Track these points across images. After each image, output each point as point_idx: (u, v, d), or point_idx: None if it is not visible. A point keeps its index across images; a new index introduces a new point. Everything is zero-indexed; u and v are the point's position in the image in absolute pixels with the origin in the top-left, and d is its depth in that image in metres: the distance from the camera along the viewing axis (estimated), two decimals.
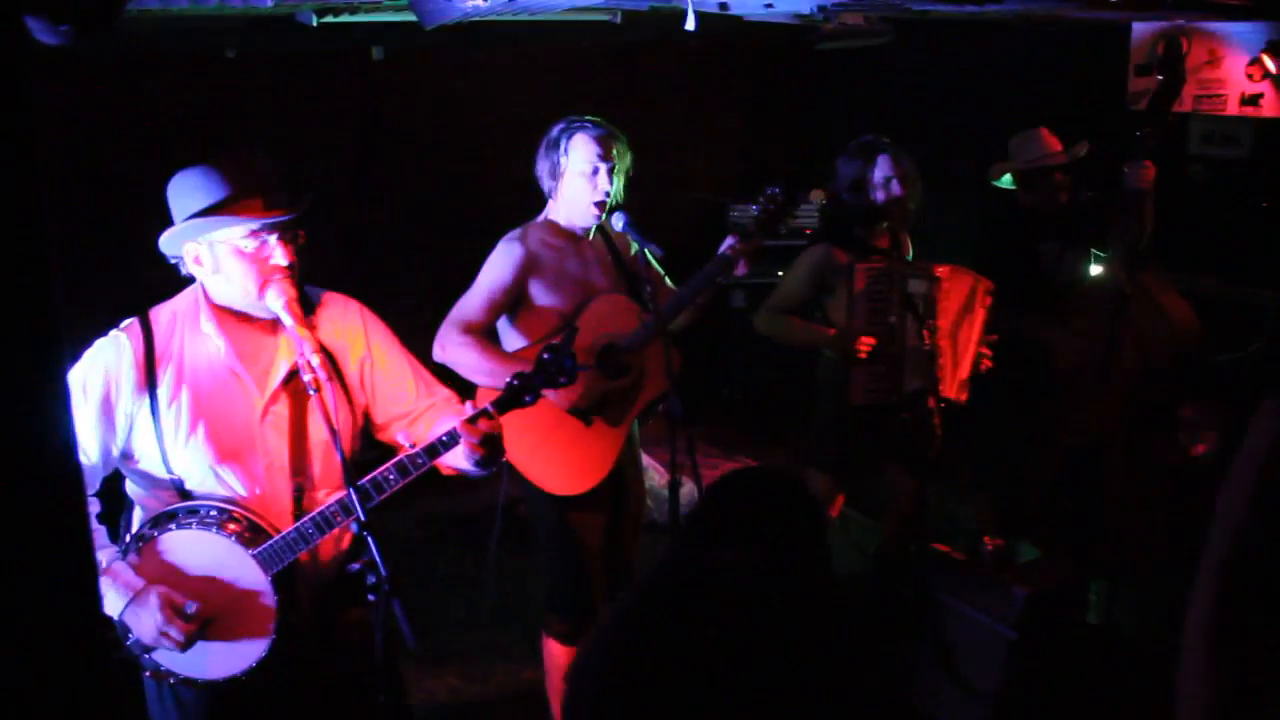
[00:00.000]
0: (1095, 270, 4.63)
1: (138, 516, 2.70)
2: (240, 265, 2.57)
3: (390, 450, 2.73)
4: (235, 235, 2.55)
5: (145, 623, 2.51)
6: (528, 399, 2.77)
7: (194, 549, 2.58)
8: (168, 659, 2.61)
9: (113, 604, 2.52)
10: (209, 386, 2.62)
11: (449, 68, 6.25)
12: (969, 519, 5.08)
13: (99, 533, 2.66)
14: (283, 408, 2.68)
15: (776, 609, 1.68)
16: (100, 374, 2.57)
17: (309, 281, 2.76)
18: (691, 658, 1.58)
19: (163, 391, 2.59)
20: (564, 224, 3.82)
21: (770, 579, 1.76)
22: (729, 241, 3.78)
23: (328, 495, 2.65)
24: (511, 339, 3.77)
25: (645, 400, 3.87)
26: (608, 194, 3.73)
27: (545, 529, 3.88)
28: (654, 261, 3.83)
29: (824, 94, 7.42)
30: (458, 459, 2.72)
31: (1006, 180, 4.83)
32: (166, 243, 2.61)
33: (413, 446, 2.66)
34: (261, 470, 2.65)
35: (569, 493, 3.76)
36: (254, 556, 2.56)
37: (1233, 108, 4.90)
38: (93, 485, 2.62)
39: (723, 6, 3.87)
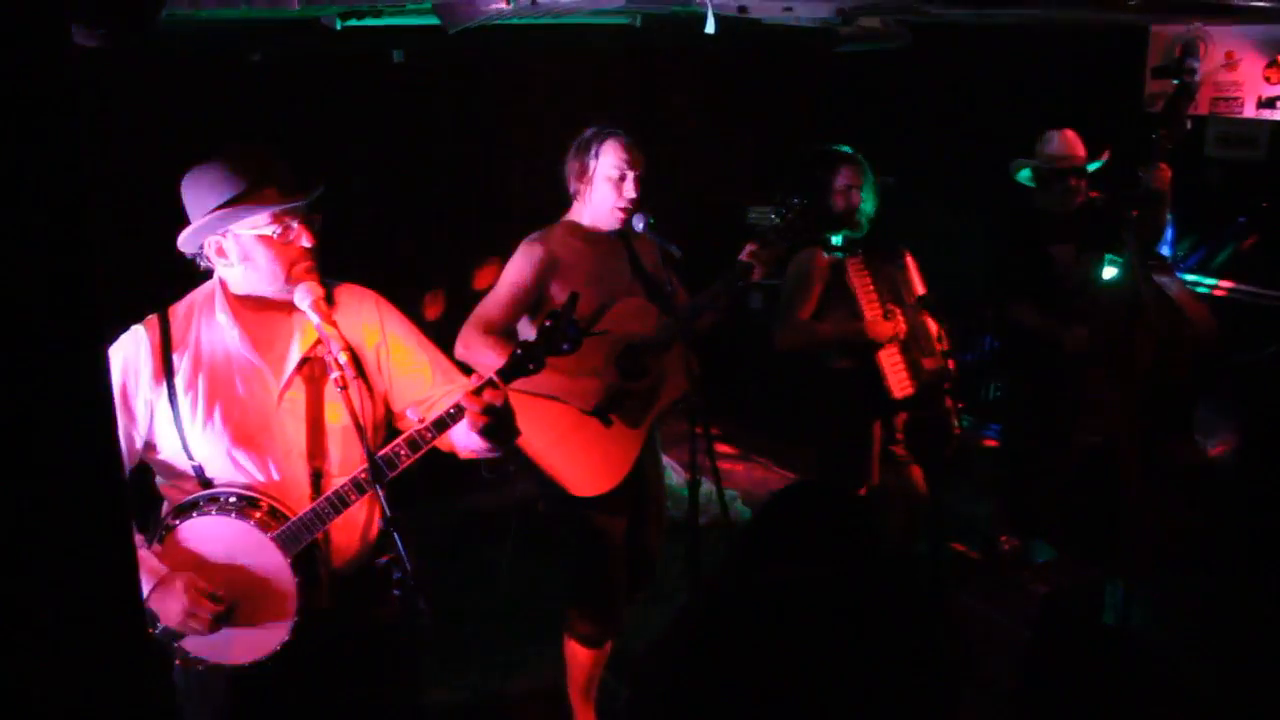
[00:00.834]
0: (1109, 272, 4.65)
1: (165, 508, 2.74)
2: (267, 252, 2.62)
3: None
4: (260, 223, 2.60)
5: (171, 608, 2.55)
6: (531, 367, 2.77)
7: (216, 535, 2.63)
8: (195, 645, 2.65)
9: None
10: (225, 373, 2.67)
11: (470, 71, 6.28)
12: (985, 519, 5.09)
13: None
14: (298, 393, 2.71)
15: (836, 621, 1.69)
16: (119, 365, 2.63)
17: (326, 273, 2.78)
18: (753, 671, 1.60)
19: (180, 379, 2.64)
20: (587, 225, 3.85)
21: (830, 592, 1.78)
22: (749, 248, 3.82)
23: (346, 480, 2.67)
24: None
25: (665, 402, 3.89)
26: (632, 201, 3.78)
27: (567, 529, 3.91)
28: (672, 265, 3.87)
29: (841, 98, 7.43)
30: (471, 437, 2.72)
31: (1025, 175, 4.87)
32: (188, 240, 2.65)
33: (422, 422, 2.68)
34: (279, 455, 2.68)
35: (589, 493, 3.78)
36: (273, 539, 2.60)
37: (1249, 110, 4.91)
38: None
39: (742, 10, 3.91)
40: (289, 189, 2.62)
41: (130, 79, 4.54)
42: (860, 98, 7.24)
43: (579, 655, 3.99)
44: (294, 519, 2.62)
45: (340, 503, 2.64)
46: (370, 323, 2.85)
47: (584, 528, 3.85)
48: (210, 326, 2.70)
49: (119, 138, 4.75)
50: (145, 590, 2.56)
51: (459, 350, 3.64)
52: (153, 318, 2.70)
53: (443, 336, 3.62)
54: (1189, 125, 4.27)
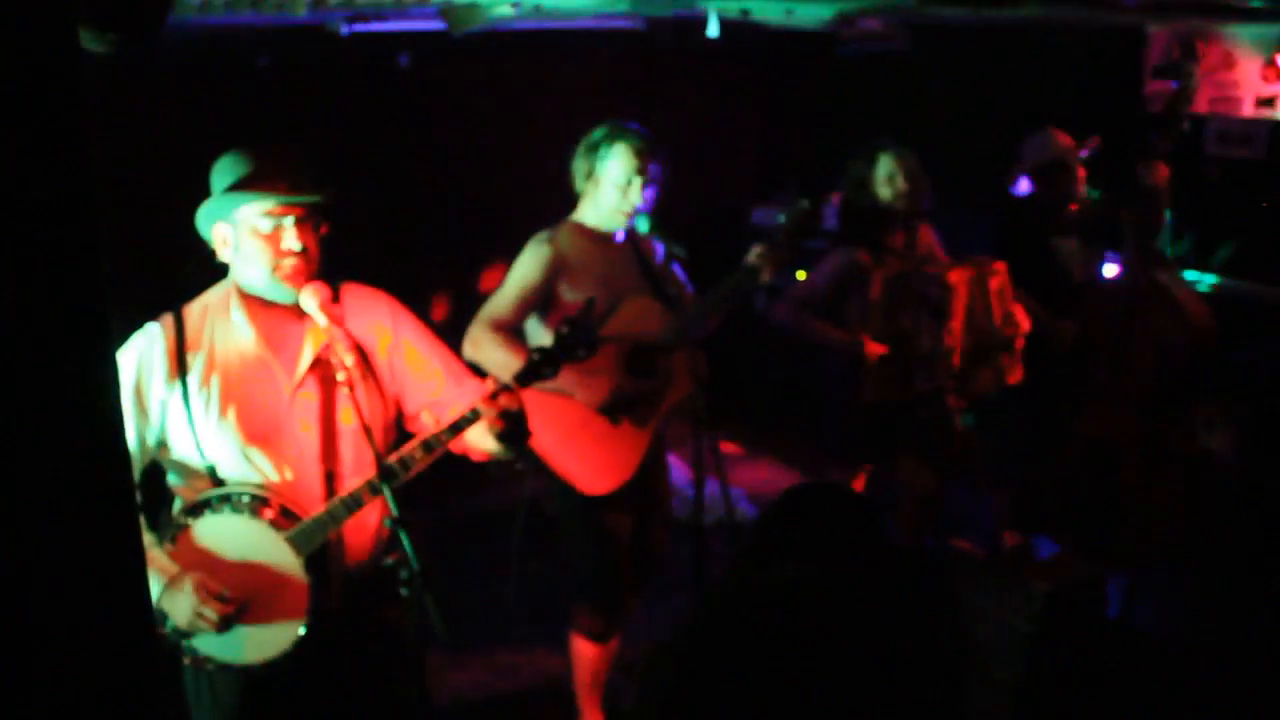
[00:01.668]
0: (1110, 268, 4.67)
1: (176, 505, 2.76)
2: (255, 245, 2.64)
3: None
4: (254, 214, 2.63)
5: (181, 606, 2.57)
6: (547, 371, 2.81)
7: (228, 534, 2.64)
8: (206, 645, 2.67)
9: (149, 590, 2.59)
10: (239, 372, 2.68)
11: (475, 75, 6.32)
12: (988, 515, 5.11)
13: None
14: (312, 394, 2.73)
15: (841, 618, 1.71)
16: (133, 363, 2.65)
17: (335, 273, 2.82)
18: (757, 670, 1.61)
19: (193, 377, 2.65)
20: (592, 225, 3.86)
21: (835, 591, 1.79)
22: (756, 250, 3.80)
23: (359, 482, 2.70)
24: (542, 338, 3.82)
25: (672, 402, 3.90)
26: (637, 205, 3.78)
27: (572, 526, 3.92)
28: (679, 266, 3.89)
29: (843, 100, 7.45)
30: (483, 439, 2.78)
31: (1024, 187, 4.89)
32: (201, 221, 2.70)
33: (437, 425, 2.71)
34: (292, 455, 2.70)
35: (596, 491, 3.80)
36: (286, 539, 2.62)
37: (1248, 109, 4.93)
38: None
39: (745, 13, 3.94)
40: (295, 187, 2.65)
41: (138, 84, 4.59)
42: (861, 99, 7.26)
43: (585, 651, 4.01)
44: (307, 519, 2.64)
45: (354, 504, 2.66)
46: (382, 324, 2.87)
47: (590, 525, 3.86)
48: (225, 326, 2.72)
49: (127, 143, 4.79)
50: (156, 589, 2.58)
51: (467, 350, 3.66)
52: (167, 316, 2.72)
53: (449, 338, 3.66)
54: (1186, 125, 4.29)
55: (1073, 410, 4.62)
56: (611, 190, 3.76)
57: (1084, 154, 4.71)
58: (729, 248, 3.94)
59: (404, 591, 2.54)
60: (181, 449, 2.70)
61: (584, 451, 3.80)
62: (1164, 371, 4.38)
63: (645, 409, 3.84)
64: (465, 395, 2.87)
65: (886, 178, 4.35)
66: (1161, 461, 4.45)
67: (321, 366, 2.73)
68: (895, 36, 4.64)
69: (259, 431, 2.68)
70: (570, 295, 3.74)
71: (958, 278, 4.33)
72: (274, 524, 2.63)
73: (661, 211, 3.84)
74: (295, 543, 2.63)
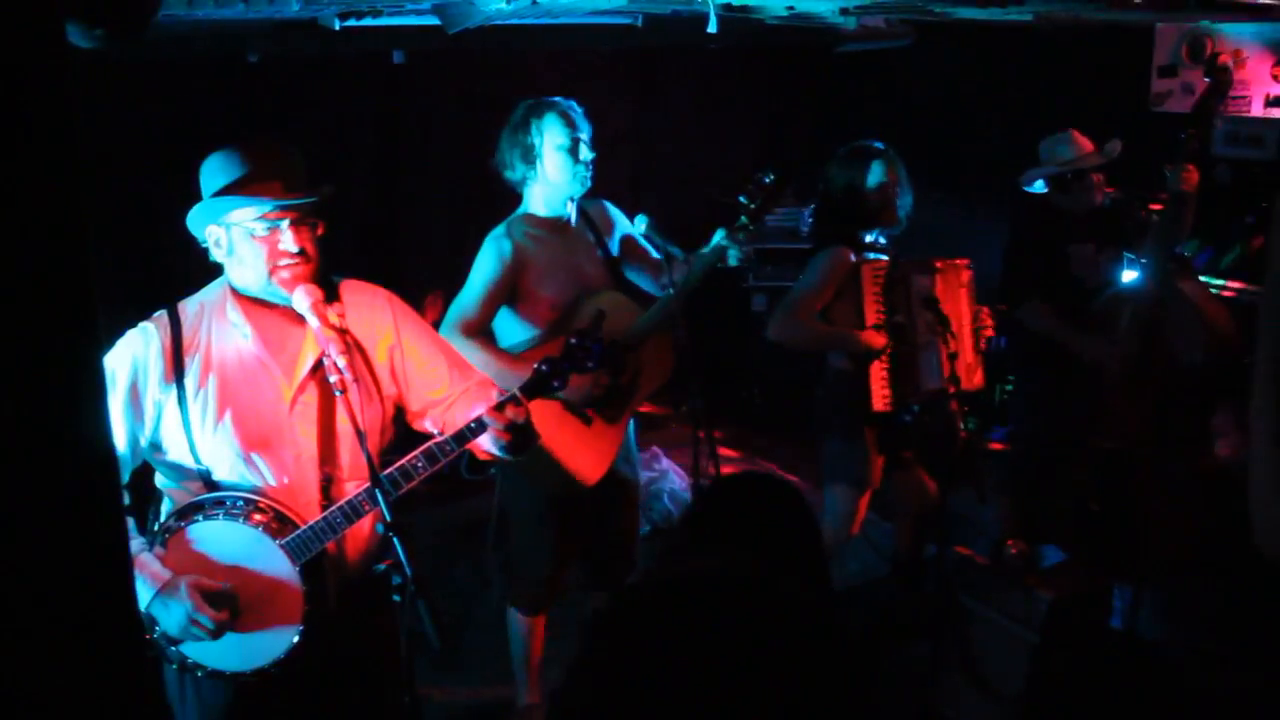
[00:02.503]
0: (1128, 274, 4.59)
1: (166, 509, 2.72)
2: (252, 248, 2.59)
3: (420, 437, 2.76)
4: (248, 217, 2.57)
5: (174, 612, 2.51)
6: (555, 384, 2.80)
7: (221, 539, 2.59)
8: (196, 651, 2.62)
9: (140, 595, 2.52)
10: (237, 375, 2.64)
11: (470, 71, 6.26)
12: (992, 523, 5.05)
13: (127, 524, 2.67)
14: (311, 397, 2.69)
15: (761, 616, 1.66)
16: (127, 363, 2.60)
17: (333, 270, 2.78)
18: (674, 665, 1.56)
19: (190, 380, 2.60)
20: (544, 213, 3.81)
21: (757, 585, 1.74)
22: (722, 231, 3.80)
23: (357, 486, 2.65)
24: (515, 329, 3.78)
25: (641, 396, 3.91)
26: (589, 164, 3.73)
27: (524, 516, 3.97)
28: (647, 245, 3.85)
29: (843, 97, 7.41)
30: (488, 444, 2.76)
31: (1039, 185, 4.80)
32: (192, 222, 2.65)
33: (441, 433, 2.67)
34: (290, 459, 2.66)
35: (569, 491, 3.79)
36: (282, 546, 2.57)
37: (1258, 108, 4.89)
38: (122, 476, 2.63)
39: (745, 9, 3.88)
40: (289, 188, 2.60)
41: (127, 79, 4.52)
42: (863, 97, 7.22)
43: (519, 623, 4.03)
44: (305, 526, 2.60)
45: (354, 512, 2.62)
46: (383, 322, 2.83)
47: (543, 518, 3.88)
48: (222, 327, 2.67)
49: (114, 139, 4.73)
50: (148, 595, 2.53)
51: None
52: (162, 315, 2.67)
53: None
54: (1219, 124, 4.21)
55: (1085, 418, 4.55)
56: (558, 157, 3.71)
57: (1103, 159, 4.61)
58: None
59: (396, 598, 2.51)
60: (175, 451, 2.65)
61: (561, 452, 3.77)
62: (1181, 380, 4.30)
63: (617, 404, 3.83)
64: (471, 391, 2.86)
65: (878, 186, 4.27)
66: (1174, 471, 4.39)
67: (322, 369, 2.68)
68: (898, 34, 4.58)
69: (257, 436, 2.64)
70: (538, 286, 3.73)
71: (945, 270, 4.27)
72: (268, 530, 2.58)
73: (656, 210, 3.79)
74: (292, 550, 2.59)
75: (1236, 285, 5.34)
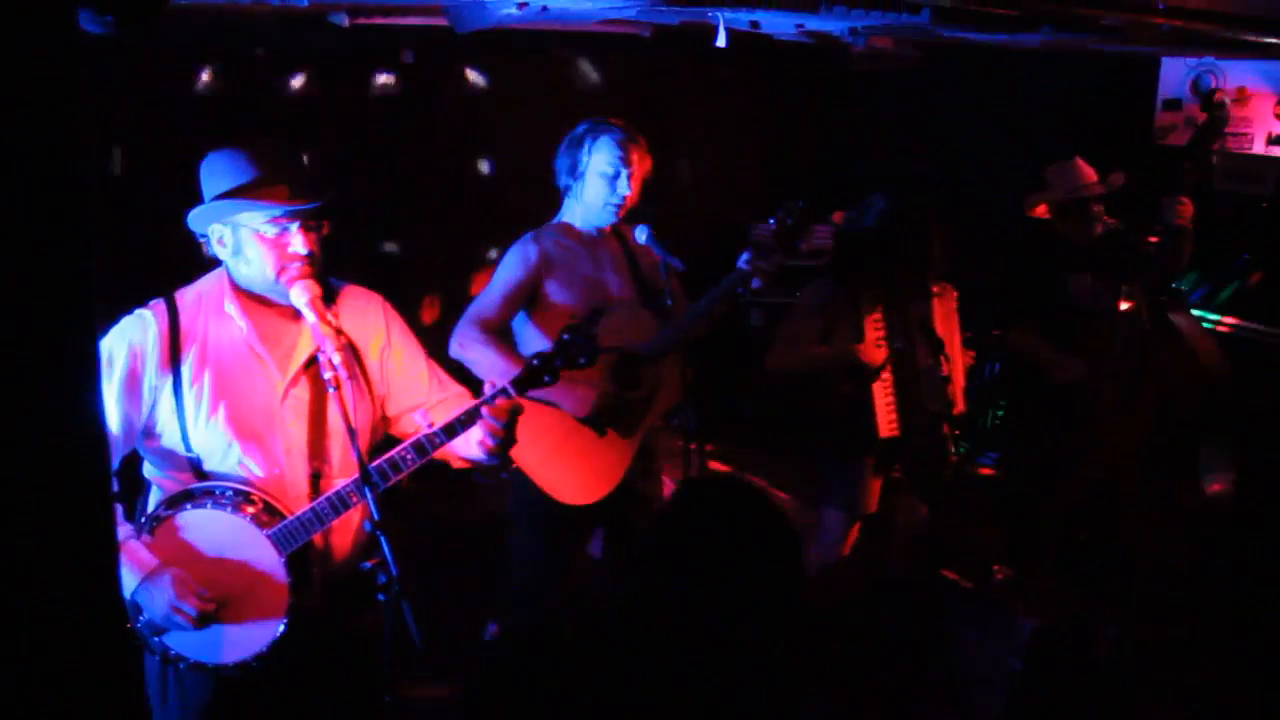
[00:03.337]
0: (1124, 305, 4.61)
1: (154, 498, 2.72)
2: (260, 250, 2.61)
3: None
4: (257, 220, 2.59)
5: (158, 601, 2.51)
6: (547, 379, 2.79)
7: (209, 529, 2.60)
8: (179, 642, 2.62)
9: (125, 583, 2.52)
10: (232, 367, 2.65)
11: (474, 75, 6.27)
12: (981, 546, 5.06)
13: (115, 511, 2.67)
14: (303, 391, 2.70)
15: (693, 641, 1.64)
16: (125, 349, 2.60)
17: (332, 274, 2.79)
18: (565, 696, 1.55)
19: (186, 370, 2.62)
20: (579, 226, 3.84)
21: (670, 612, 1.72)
22: (746, 255, 3.75)
23: (346, 482, 2.65)
24: (531, 338, 3.76)
25: (658, 412, 3.87)
26: (624, 199, 3.75)
27: (526, 525, 3.91)
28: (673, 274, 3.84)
29: (850, 116, 7.43)
30: (471, 446, 2.75)
31: (1041, 213, 4.81)
32: (194, 220, 2.65)
33: (430, 427, 2.67)
34: (280, 452, 2.67)
35: (578, 502, 3.76)
36: (269, 536, 2.58)
37: (1259, 146, 4.91)
38: (114, 461, 2.63)
39: (754, 25, 3.89)
40: (296, 192, 2.61)
41: (136, 67, 4.52)
42: (869, 116, 7.23)
43: None
44: (292, 517, 2.60)
45: (342, 504, 2.63)
46: (376, 325, 2.85)
47: (545, 529, 3.84)
48: (219, 318, 2.68)
49: (120, 125, 4.73)
50: (133, 582, 2.53)
51: (454, 348, 3.64)
52: (160, 304, 2.68)
53: (439, 341, 3.61)
54: (1215, 160, 4.24)
55: (1075, 446, 4.56)
56: (599, 183, 3.73)
57: (1106, 190, 4.62)
58: (727, 261, 3.87)
59: (381, 597, 2.50)
60: (167, 440, 2.66)
61: (569, 463, 3.76)
62: (1170, 413, 4.32)
63: (632, 419, 3.81)
64: (449, 401, 2.87)
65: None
66: (1161, 503, 4.40)
67: (315, 365, 2.69)
68: (905, 56, 4.59)
69: (249, 428, 2.65)
70: (558, 296, 3.72)
71: (939, 289, 4.27)
72: (256, 520, 2.59)
73: (662, 222, 3.79)
74: (278, 541, 2.59)
75: (1232, 321, 5.37)
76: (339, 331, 2.64)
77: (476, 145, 6.41)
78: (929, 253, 4.22)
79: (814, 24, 3.93)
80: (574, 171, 3.77)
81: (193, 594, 2.53)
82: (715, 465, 6.47)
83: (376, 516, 2.49)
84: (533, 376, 2.78)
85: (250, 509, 2.59)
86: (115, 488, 2.61)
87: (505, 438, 2.72)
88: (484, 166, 5.57)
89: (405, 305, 3.03)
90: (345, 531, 2.75)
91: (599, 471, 3.78)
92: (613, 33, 4.66)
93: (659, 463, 4.08)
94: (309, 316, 2.60)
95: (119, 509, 2.69)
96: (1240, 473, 4.97)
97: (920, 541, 4.55)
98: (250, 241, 2.61)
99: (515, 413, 2.71)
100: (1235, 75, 4.86)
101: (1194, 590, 4.71)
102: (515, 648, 1.66)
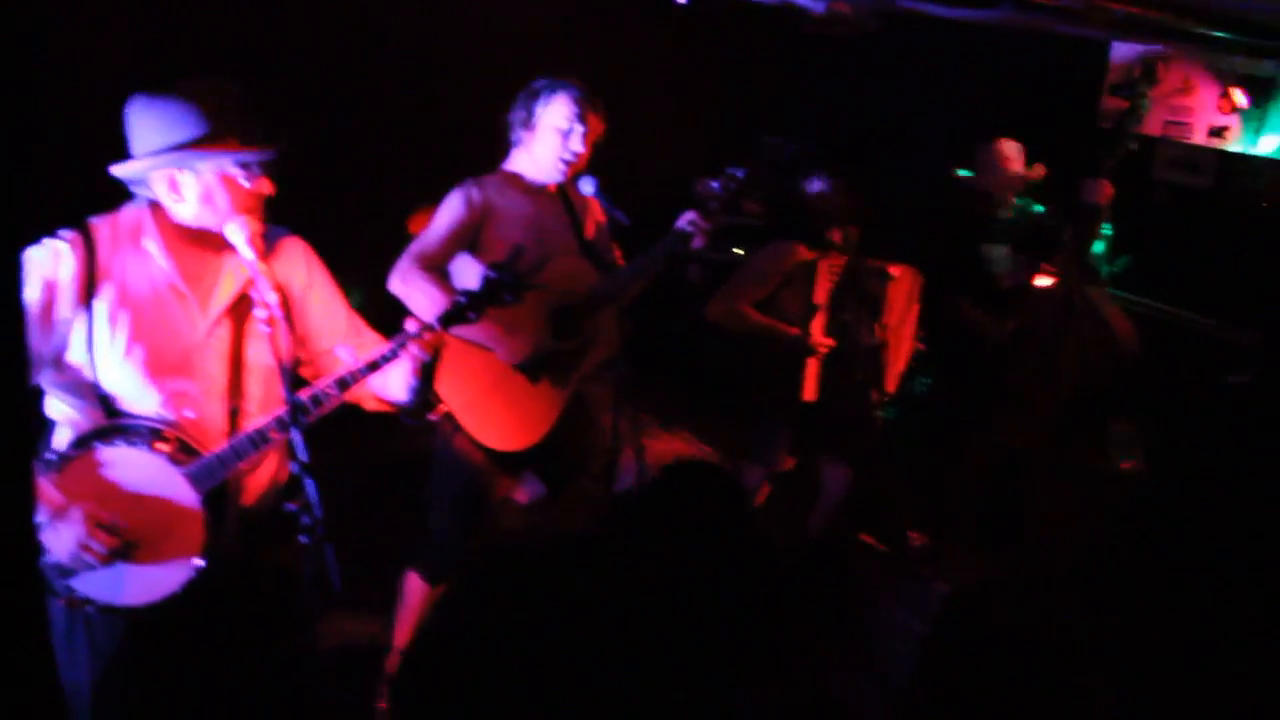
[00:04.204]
0: (1043, 279, 4.70)
1: (62, 436, 2.62)
2: (229, 194, 2.54)
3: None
4: (225, 165, 2.53)
5: (65, 539, 2.44)
6: (471, 316, 2.78)
7: (122, 467, 2.53)
8: (87, 584, 2.53)
9: None
10: (150, 307, 2.57)
11: (428, 22, 6.17)
12: (898, 512, 5.15)
13: None
14: (225, 330, 2.65)
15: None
16: (38, 279, 2.50)
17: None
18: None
19: (100, 306, 2.53)
20: (527, 177, 3.81)
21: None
22: (688, 216, 3.79)
23: (265, 419, 2.61)
24: (476, 278, 3.73)
25: (592, 363, 3.88)
26: (576, 155, 3.74)
27: (445, 468, 3.87)
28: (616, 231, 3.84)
29: (800, 77, 7.40)
30: (391, 385, 2.74)
31: (965, 184, 4.91)
32: (137, 170, 2.55)
33: (355, 362, 2.64)
34: (198, 392, 2.61)
35: (504, 448, 3.76)
36: (185, 474, 2.52)
37: (1200, 136, 4.98)
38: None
39: None
40: (255, 137, 2.54)
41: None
42: (817, 80, 7.22)
43: (414, 588, 3.96)
44: (210, 454, 2.55)
45: (261, 440, 2.58)
46: (298, 266, 2.81)
47: (464, 473, 3.82)
48: (137, 255, 2.58)
49: (53, 55, 4.58)
50: (37, 521, 2.44)
51: (393, 284, 3.61)
52: (75, 235, 2.56)
53: (378, 275, 3.60)
54: (1135, 145, 4.32)
55: (991, 416, 4.66)
56: (550, 137, 3.72)
57: (1022, 178, 4.74)
58: (672, 217, 3.87)
59: (303, 539, 2.47)
60: (77, 376, 2.56)
61: (498, 408, 3.75)
62: (1084, 386, 4.43)
63: (565, 369, 3.81)
64: (365, 346, 2.82)
65: (821, 195, 4.34)
66: (1072, 475, 4.51)
67: (242, 303, 2.64)
68: (865, 24, 4.58)
69: (166, 365, 2.57)
70: (498, 240, 3.70)
71: (902, 278, 4.35)
72: (172, 458, 2.53)
73: (607, 176, 3.77)
74: (195, 479, 2.54)
75: (1157, 304, 5.49)
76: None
77: (426, 88, 6.31)
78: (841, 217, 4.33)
79: None
80: (527, 124, 3.76)
81: (102, 531, 2.45)
82: (645, 417, 6.52)
83: (304, 457, 2.45)
84: (459, 313, 2.76)
85: (165, 447, 2.53)
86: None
87: (427, 375, 2.71)
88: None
89: (354, 250, 3.00)
90: (264, 470, 2.71)
91: (528, 419, 3.78)
92: None
93: (595, 412, 4.09)
94: (246, 254, 2.54)
95: None
96: (1150, 447, 5.10)
97: (840, 505, 4.62)
98: (219, 188, 2.54)
99: (439, 348, 2.70)
100: (1182, 65, 4.90)
101: (1099, 557, 4.84)
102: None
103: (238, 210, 2.56)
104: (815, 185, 4.34)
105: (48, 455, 2.54)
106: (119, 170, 2.57)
